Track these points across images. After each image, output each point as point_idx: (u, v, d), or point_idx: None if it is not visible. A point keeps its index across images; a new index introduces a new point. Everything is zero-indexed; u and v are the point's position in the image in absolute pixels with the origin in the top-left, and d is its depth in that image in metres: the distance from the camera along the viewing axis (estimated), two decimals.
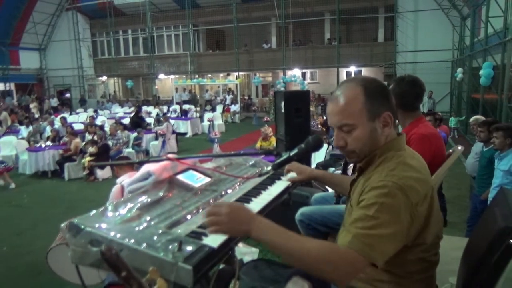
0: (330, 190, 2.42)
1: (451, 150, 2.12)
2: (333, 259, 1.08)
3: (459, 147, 2.18)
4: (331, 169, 6.57)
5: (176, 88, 22.92)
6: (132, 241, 1.13)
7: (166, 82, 26.07)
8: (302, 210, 2.14)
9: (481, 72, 9.38)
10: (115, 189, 3.45)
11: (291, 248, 1.11)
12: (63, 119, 12.79)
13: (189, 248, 1.10)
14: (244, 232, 1.15)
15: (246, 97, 23.83)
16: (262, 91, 25.17)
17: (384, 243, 1.09)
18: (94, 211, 1.33)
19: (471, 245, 1.43)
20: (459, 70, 14.05)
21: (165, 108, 18.10)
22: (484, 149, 4.22)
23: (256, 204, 1.64)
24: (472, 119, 5.32)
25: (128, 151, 10.07)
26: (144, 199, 1.48)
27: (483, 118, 5.20)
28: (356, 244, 1.09)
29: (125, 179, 3.44)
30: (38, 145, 9.71)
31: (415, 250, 1.22)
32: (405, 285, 1.25)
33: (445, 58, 17.28)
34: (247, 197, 1.70)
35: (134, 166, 4.18)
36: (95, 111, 18.94)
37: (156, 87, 24.93)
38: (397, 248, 1.14)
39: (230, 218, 1.13)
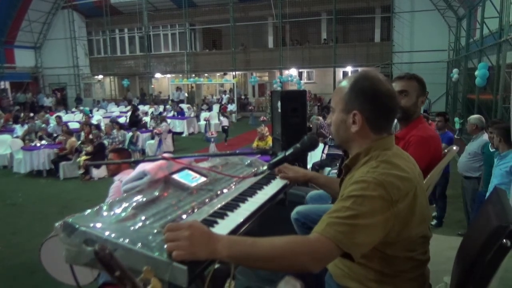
0: None
1: (446, 151, 2.12)
2: (305, 249, 1.09)
3: (454, 147, 2.17)
4: (327, 169, 6.59)
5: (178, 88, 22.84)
6: (127, 240, 1.13)
7: (163, 81, 25.97)
8: (298, 209, 2.14)
9: (476, 73, 9.41)
10: (115, 185, 3.44)
11: (263, 252, 1.07)
12: (58, 118, 12.73)
13: None
14: (209, 253, 1.05)
15: (243, 97, 23.77)
16: (259, 91, 25.15)
17: (358, 233, 1.09)
18: (89, 210, 1.32)
19: (465, 244, 1.43)
20: (455, 70, 14.10)
21: (161, 108, 18.03)
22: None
23: (252, 204, 1.64)
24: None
25: None
26: (139, 198, 1.48)
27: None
28: (329, 231, 1.10)
29: (123, 176, 3.44)
30: (33, 144, 9.66)
31: (400, 248, 1.22)
32: (395, 284, 1.26)
33: (441, 59, 17.34)
34: (242, 196, 1.70)
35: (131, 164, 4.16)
36: (90, 111, 18.70)
37: (153, 86, 24.80)
38: (374, 242, 1.14)
39: (192, 241, 1.04)
